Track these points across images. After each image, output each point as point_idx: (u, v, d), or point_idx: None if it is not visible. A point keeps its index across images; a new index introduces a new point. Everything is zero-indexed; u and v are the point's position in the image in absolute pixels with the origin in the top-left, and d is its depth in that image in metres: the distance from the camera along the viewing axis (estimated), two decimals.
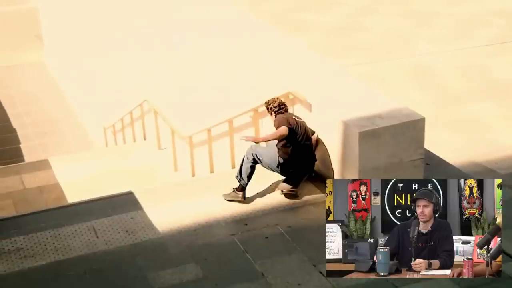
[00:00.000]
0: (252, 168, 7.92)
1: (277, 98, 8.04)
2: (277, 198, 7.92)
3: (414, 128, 7.70)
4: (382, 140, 7.55)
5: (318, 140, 8.16)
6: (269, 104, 7.99)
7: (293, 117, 7.87)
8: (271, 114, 8.00)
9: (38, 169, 12.12)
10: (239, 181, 7.91)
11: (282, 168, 7.90)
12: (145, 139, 13.46)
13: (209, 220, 7.52)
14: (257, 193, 8.03)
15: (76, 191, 10.76)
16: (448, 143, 12.67)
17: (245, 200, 7.89)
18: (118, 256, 6.97)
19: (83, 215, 7.70)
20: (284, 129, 7.66)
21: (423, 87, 15.68)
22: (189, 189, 8.41)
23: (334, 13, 20.90)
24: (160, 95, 12.64)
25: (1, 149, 15.78)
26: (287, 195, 7.94)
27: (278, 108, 7.94)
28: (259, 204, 7.82)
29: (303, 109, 8.36)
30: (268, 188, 8.14)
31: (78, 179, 11.54)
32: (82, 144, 16.10)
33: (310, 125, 8.25)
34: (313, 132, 8.15)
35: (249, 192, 8.00)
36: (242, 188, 7.92)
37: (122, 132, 14.38)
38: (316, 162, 8.10)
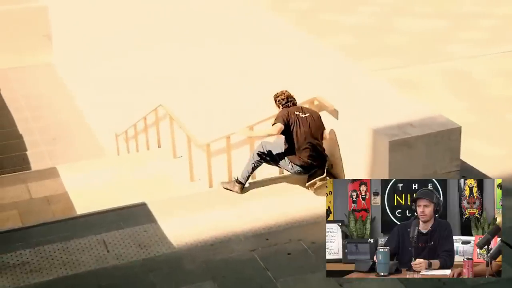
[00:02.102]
0: (253, 169, 8.38)
1: (286, 91, 8.34)
2: (300, 211, 7.93)
3: (449, 137, 7.67)
4: (414, 150, 7.53)
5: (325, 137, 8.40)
6: (277, 97, 8.33)
7: (296, 113, 8.09)
8: (278, 107, 8.31)
9: (45, 178, 12.20)
10: (239, 177, 8.40)
11: (270, 157, 8.29)
12: (159, 146, 13.51)
13: (227, 234, 7.53)
14: (279, 206, 8.04)
15: (85, 202, 10.82)
16: (487, 155, 12.59)
17: (242, 192, 8.36)
18: (130, 272, 7.00)
19: (92, 228, 7.74)
20: (274, 129, 8.01)
21: (459, 93, 15.61)
22: (206, 200, 8.43)
23: (363, 13, 20.87)
24: (177, 99, 12.69)
25: (6, 156, 15.91)
26: (317, 188, 8.17)
27: (286, 101, 8.27)
28: (281, 217, 7.83)
29: (330, 116, 8.37)
30: (290, 200, 8.15)
31: (88, 189, 11.61)
32: (93, 151, 16.20)
33: (337, 132, 8.26)
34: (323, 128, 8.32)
35: (271, 206, 8.03)
36: (240, 182, 8.36)
37: (135, 139, 14.45)
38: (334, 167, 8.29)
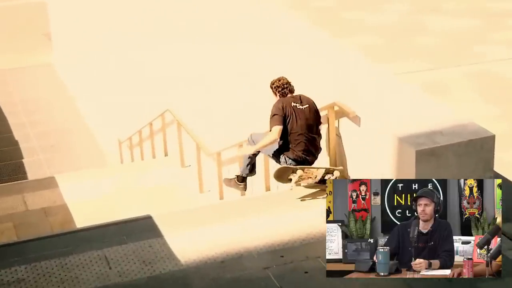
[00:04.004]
0: (251, 159, 8.60)
1: (283, 77, 8.45)
2: (318, 226, 7.90)
3: (481, 147, 7.64)
4: (443, 160, 7.51)
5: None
6: (273, 84, 8.46)
7: (293, 104, 8.20)
8: (275, 94, 8.43)
9: (43, 188, 12.25)
10: (239, 173, 8.64)
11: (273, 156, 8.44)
12: (166, 155, 13.54)
13: (239, 250, 7.52)
14: (295, 220, 8.03)
15: (86, 214, 10.86)
16: None
17: (246, 191, 8.74)
18: None
19: (93, 242, 7.75)
20: (274, 135, 8.10)
21: (492, 99, 15.57)
22: (216, 213, 8.44)
23: (389, 12, 20.88)
24: (185, 104, 12.72)
25: (1, 164, 15.99)
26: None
27: (282, 88, 8.39)
28: (297, 232, 7.81)
29: (351, 123, 8.36)
30: (307, 214, 8.13)
31: (89, 200, 11.65)
32: (94, 159, 16.26)
33: (359, 141, 8.24)
34: (320, 122, 8.42)
35: (286, 220, 8.01)
36: (242, 179, 8.62)
37: (140, 146, 14.50)
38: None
